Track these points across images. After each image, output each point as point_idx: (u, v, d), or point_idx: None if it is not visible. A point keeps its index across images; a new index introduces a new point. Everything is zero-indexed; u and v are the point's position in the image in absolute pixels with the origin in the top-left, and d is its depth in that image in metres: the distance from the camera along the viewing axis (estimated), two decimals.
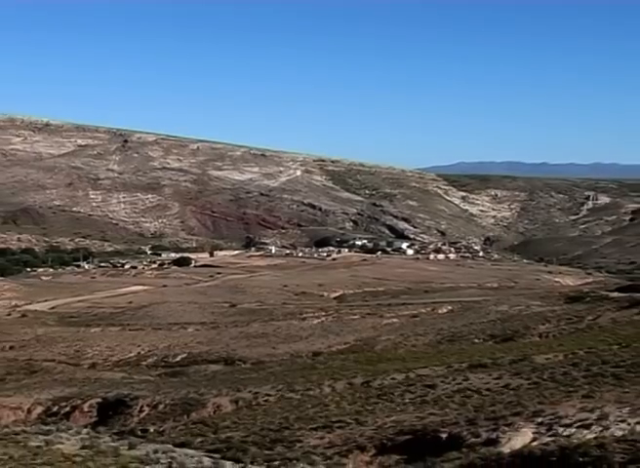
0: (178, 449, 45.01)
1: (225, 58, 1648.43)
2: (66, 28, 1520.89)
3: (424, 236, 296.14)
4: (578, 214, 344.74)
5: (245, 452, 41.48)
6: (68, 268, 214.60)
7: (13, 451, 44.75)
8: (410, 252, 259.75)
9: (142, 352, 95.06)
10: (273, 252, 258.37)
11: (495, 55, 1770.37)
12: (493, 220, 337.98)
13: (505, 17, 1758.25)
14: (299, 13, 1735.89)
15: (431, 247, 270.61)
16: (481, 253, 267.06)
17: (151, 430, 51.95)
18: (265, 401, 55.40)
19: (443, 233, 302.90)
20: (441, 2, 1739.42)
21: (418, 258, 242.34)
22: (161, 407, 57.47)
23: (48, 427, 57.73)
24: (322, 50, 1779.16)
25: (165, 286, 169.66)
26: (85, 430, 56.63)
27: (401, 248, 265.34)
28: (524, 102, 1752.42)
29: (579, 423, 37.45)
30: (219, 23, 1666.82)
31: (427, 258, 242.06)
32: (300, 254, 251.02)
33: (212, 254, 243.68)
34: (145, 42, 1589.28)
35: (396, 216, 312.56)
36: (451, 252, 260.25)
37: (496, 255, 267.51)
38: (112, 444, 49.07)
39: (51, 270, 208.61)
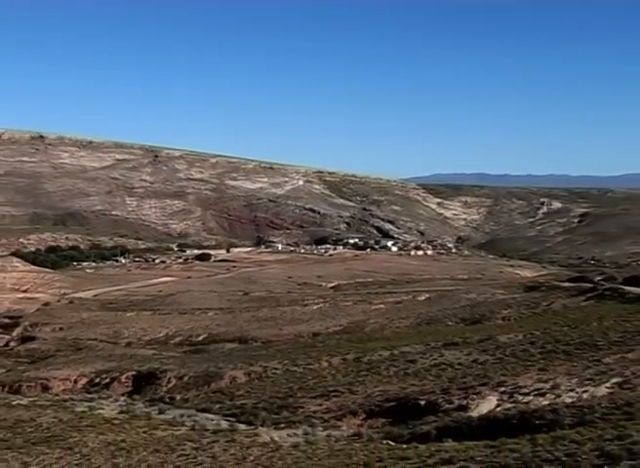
0: (200, 414, 45.04)
1: (240, 86, 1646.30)
2: (102, 61, 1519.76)
3: (406, 235, 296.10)
4: (534, 217, 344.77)
5: (256, 416, 41.47)
6: (108, 262, 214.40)
7: (62, 415, 44.93)
8: (394, 249, 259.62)
9: (170, 333, 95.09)
10: (280, 249, 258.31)
11: (462, 82, 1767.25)
12: (463, 222, 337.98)
13: (472, 41, 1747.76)
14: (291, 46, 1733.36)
15: (412, 244, 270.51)
16: (454, 250, 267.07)
17: (177, 398, 51.96)
18: (273, 373, 55.39)
19: (422, 233, 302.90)
20: (413, 25, 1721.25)
21: (401, 254, 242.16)
22: (186, 378, 57.48)
23: (91, 395, 57.99)
24: (321, 79, 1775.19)
25: (189, 277, 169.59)
26: (122, 398, 56.81)
27: (387, 245, 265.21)
28: (490, 123, 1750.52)
29: (535, 392, 37.52)
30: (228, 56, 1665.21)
31: (409, 254, 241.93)
32: (303, 251, 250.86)
33: (228, 251, 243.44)
34: (173, 70, 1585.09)
35: (383, 219, 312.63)
36: (428, 249, 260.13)
37: (466, 252, 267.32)
38: (145, 409, 49.23)
39: (93, 264, 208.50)
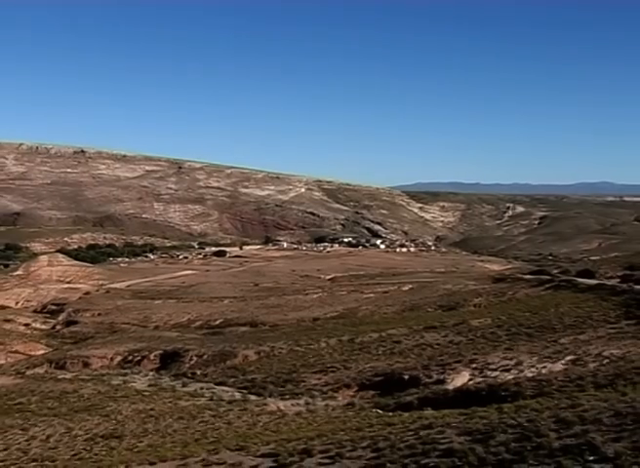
0: (217, 387, 45.10)
1: (252, 108, 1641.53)
2: (139, 91, 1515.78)
3: (392, 235, 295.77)
4: (501, 219, 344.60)
5: (265, 389, 41.58)
6: (139, 258, 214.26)
7: (100, 388, 44.90)
8: (382, 246, 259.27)
9: (192, 317, 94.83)
10: (285, 246, 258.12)
11: (440, 104, 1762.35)
12: (441, 224, 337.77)
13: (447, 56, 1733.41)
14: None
15: (397, 243, 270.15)
16: (433, 248, 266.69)
17: (198, 373, 52.01)
18: (279, 352, 55.40)
19: (406, 233, 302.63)
20: (390, 35, 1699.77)
21: (388, 251, 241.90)
22: (205, 356, 57.47)
23: (125, 371, 58.00)
24: (320, 103, 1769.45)
25: (208, 270, 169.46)
26: (151, 373, 56.83)
27: (376, 243, 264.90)
28: (464, 139, 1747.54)
29: (502, 368, 37.60)
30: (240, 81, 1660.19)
31: (395, 251, 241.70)
32: (304, 248, 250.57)
33: (241, 248, 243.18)
34: (195, 95, 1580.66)
35: (372, 221, 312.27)
36: (411, 246, 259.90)
37: (443, 249, 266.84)
38: (170, 383, 49.26)
39: (126, 259, 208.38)
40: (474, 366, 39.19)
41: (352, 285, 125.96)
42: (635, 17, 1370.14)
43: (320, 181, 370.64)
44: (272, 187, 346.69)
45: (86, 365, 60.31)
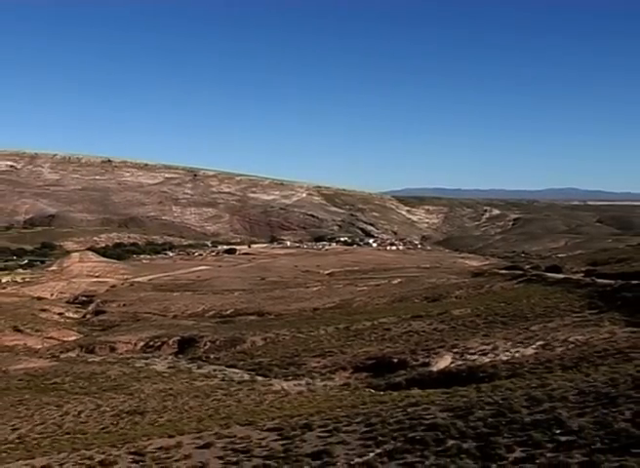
0: (228, 369, 45.16)
1: (257, 121, 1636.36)
2: (159, 108, 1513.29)
3: (383, 235, 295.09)
4: (479, 221, 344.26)
5: (270, 371, 41.69)
6: (159, 255, 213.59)
7: (125, 369, 44.94)
8: (374, 245, 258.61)
9: (206, 308, 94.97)
10: (288, 245, 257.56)
11: (427, 118, 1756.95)
12: (426, 225, 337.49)
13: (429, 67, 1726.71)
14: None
15: (388, 242, 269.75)
16: (419, 246, 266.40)
17: (211, 357, 52.11)
18: (283, 338, 55.53)
19: (395, 233, 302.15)
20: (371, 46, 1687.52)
21: (379, 249, 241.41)
22: (217, 342, 57.62)
23: (147, 355, 58.01)
24: (319, 117, 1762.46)
25: (220, 266, 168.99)
26: (170, 357, 56.87)
27: (369, 242, 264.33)
28: (448, 149, 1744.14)
29: (480, 352, 37.70)
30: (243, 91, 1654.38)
31: (385, 249, 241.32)
32: (305, 247, 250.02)
33: (249, 246, 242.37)
34: (209, 111, 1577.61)
35: (365, 222, 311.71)
36: (400, 245, 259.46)
37: (428, 247, 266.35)
38: (187, 365, 49.30)
39: (148, 256, 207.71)
40: (455, 350, 39.28)
41: (348, 279, 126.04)
42: (609, 32, 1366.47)
43: (319, 187, 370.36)
44: (277, 192, 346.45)
45: (112, 349, 60.43)
